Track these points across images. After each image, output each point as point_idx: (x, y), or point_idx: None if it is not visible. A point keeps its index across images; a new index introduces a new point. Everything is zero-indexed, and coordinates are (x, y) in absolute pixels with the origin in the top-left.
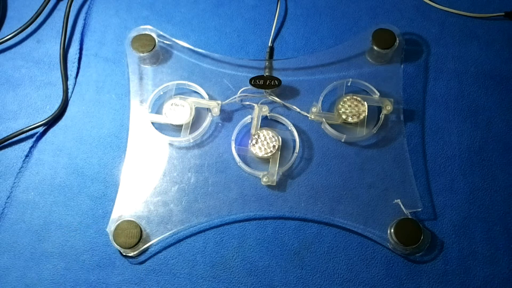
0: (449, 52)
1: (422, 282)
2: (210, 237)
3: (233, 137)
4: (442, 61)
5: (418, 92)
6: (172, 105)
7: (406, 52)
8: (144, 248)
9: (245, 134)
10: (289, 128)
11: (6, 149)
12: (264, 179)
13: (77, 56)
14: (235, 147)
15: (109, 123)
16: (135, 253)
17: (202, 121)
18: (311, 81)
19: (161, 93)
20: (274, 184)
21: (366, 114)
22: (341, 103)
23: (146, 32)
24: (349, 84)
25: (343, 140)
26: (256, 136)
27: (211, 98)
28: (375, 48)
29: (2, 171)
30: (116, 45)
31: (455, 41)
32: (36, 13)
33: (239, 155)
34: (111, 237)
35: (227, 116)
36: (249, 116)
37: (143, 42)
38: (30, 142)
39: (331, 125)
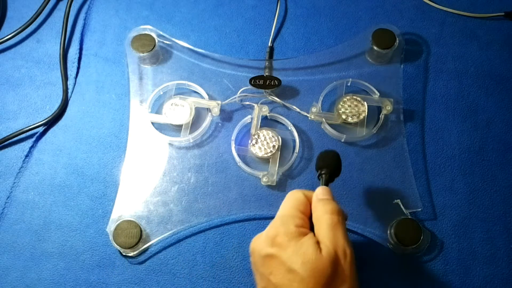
0: (449, 52)
1: (422, 282)
2: (210, 237)
3: (233, 137)
4: (442, 61)
5: (418, 92)
6: (172, 105)
7: (406, 52)
8: (144, 248)
9: (245, 134)
10: (289, 128)
11: (6, 149)
12: (264, 179)
13: (77, 56)
14: (235, 147)
15: (109, 123)
16: (135, 253)
17: (202, 121)
18: (311, 81)
19: (161, 93)
20: (274, 184)
21: (366, 114)
22: (341, 103)
23: (146, 32)
24: (349, 84)
25: (343, 140)
26: (256, 136)
27: (211, 98)
28: (375, 48)
29: (2, 171)
30: (116, 45)
31: (455, 41)
32: (36, 13)
33: (239, 155)
34: (111, 237)
35: (227, 116)
36: (249, 116)
37: (143, 42)
38: (30, 142)
39: (331, 125)
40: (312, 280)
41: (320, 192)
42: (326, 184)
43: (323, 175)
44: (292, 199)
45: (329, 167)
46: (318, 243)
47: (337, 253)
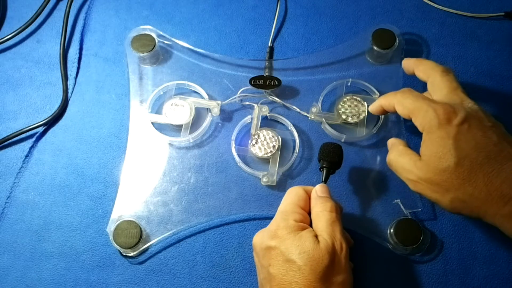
0: (449, 52)
1: (422, 282)
2: (210, 237)
3: (233, 137)
4: (442, 61)
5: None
6: (172, 105)
7: (406, 52)
8: (144, 248)
9: (245, 134)
10: (289, 128)
11: (6, 149)
12: (264, 179)
13: (77, 56)
14: (235, 147)
15: (109, 123)
16: (135, 253)
17: (202, 121)
18: (311, 81)
19: (161, 93)
20: (274, 184)
21: (366, 114)
22: (341, 103)
23: (146, 32)
24: (349, 84)
25: (343, 140)
26: (256, 136)
27: (211, 98)
28: (375, 48)
29: (2, 171)
30: (116, 45)
31: (455, 41)
32: (36, 13)
33: (239, 155)
34: (111, 237)
35: (227, 116)
36: (249, 116)
37: (143, 42)
38: (30, 142)
39: (331, 125)
40: (307, 268)
41: (319, 190)
42: (327, 177)
43: (324, 169)
44: (293, 194)
45: (330, 161)
46: (316, 236)
47: (335, 245)
